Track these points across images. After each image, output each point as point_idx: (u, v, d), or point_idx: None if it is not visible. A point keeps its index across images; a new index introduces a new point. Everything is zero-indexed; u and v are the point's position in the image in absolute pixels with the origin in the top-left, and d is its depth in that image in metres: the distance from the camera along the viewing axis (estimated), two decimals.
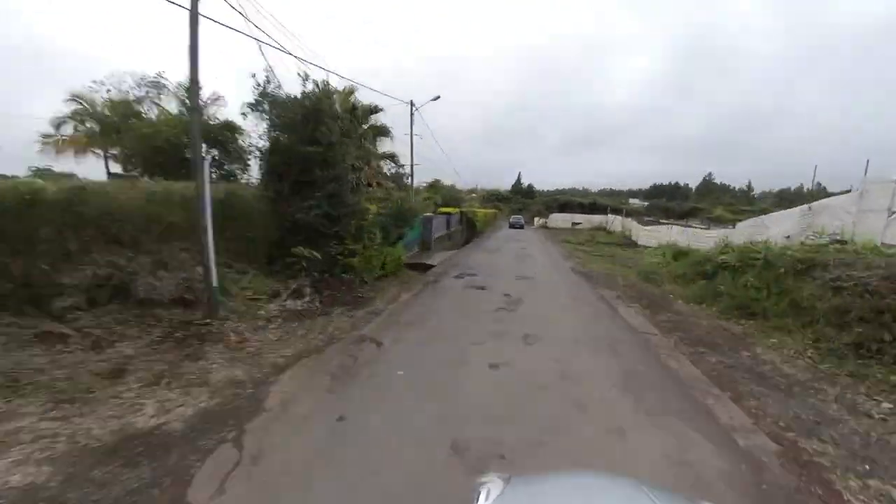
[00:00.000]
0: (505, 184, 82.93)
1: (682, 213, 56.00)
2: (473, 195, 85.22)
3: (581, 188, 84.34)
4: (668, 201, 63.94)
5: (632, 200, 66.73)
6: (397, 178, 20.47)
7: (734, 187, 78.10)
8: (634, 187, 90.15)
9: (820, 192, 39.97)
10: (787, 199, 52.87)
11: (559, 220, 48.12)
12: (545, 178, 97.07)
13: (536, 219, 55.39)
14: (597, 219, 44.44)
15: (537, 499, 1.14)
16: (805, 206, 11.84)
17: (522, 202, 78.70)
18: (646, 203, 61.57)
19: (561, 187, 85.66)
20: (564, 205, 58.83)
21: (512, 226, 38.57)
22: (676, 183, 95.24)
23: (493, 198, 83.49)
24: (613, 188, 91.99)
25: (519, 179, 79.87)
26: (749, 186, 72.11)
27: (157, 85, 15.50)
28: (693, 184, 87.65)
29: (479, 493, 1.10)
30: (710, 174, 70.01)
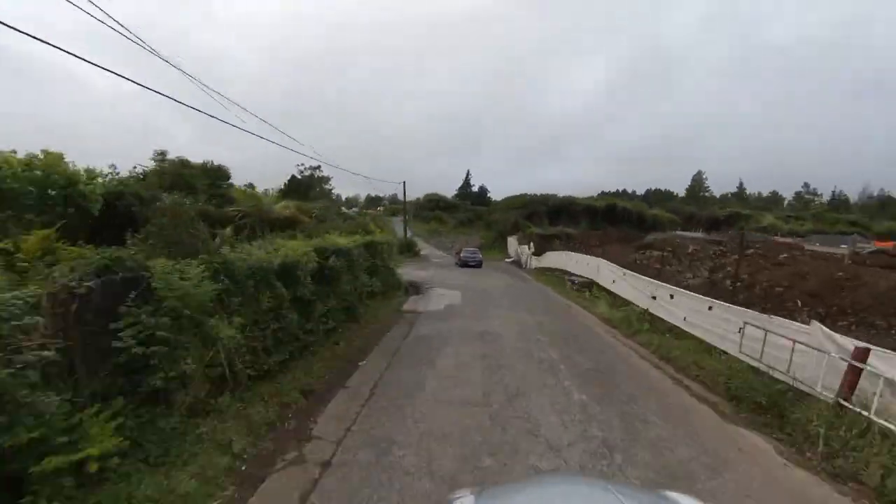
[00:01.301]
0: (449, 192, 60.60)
1: (712, 222, 39.16)
2: (381, 208, 60.12)
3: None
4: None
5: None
6: None
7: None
8: (581, 195, 76.26)
9: None
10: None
11: None
12: (494, 188, 76.59)
13: (520, 250, 27.89)
14: None
15: None
16: None
17: (473, 211, 57.32)
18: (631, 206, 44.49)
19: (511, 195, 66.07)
20: (557, 211, 38.17)
21: (465, 263, 23.22)
22: (624, 190, 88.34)
23: (433, 206, 61.21)
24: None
25: (468, 181, 58.38)
26: (741, 188, 60.80)
27: None
28: (640, 191, 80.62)
29: None
30: (699, 172, 57.13)
